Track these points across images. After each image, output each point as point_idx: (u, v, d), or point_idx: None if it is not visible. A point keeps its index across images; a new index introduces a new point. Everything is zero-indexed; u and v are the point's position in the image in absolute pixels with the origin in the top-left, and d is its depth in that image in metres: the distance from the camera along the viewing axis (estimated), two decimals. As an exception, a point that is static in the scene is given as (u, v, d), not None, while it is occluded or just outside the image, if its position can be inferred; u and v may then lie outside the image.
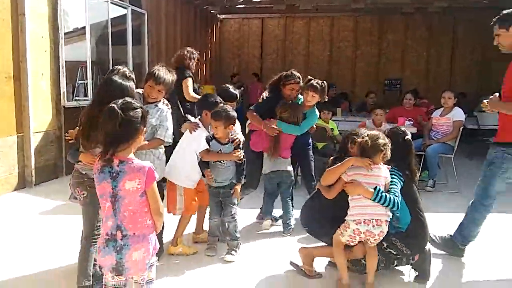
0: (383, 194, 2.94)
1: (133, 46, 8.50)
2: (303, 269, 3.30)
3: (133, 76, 3.26)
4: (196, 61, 5.59)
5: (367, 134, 3.06)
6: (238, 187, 3.65)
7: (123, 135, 2.12)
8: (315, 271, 3.30)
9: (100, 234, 2.84)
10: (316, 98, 4.31)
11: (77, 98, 7.59)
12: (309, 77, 4.43)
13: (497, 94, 3.37)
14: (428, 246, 3.31)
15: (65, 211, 4.58)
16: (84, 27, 6.96)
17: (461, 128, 6.00)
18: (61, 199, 4.95)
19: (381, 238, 2.99)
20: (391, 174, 3.11)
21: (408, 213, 3.17)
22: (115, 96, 2.66)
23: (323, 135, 5.97)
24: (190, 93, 5.26)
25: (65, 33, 6.46)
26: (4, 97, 5.41)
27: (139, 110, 2.20)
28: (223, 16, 13.54)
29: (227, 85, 4.15)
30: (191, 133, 3.65)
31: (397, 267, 3.33)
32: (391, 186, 3.05)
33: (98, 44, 8.34)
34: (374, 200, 2.92)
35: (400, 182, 3.12)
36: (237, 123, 3.70)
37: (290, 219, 4.26)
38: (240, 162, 3.62)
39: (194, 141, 3.63)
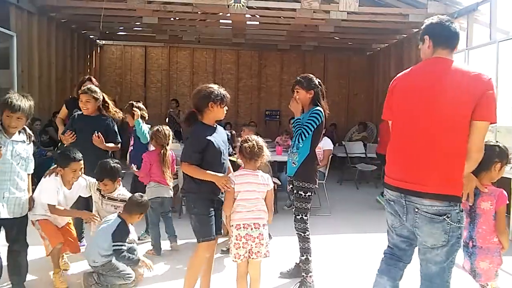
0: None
1: (0, 70, 7.78)
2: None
3: None
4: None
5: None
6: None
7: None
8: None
9: None
10: None
11: None
12: None
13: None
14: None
15: None
16: None
17: (330, 156, 6.60)
18: None
19: (261, 245, 3.05)
20: (311, 116, 3.67)
21: (309, 146, 3.73)
22: None
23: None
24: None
25: None
26: None
27: None
28: (104, 42, 13.10)
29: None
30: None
31: None
32: (306, 123, 3.67)
33: (-42, 67, 7.49)
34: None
35: (316, 122, 3.67)
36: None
37: (174, 230, 4.65)
38: None
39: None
